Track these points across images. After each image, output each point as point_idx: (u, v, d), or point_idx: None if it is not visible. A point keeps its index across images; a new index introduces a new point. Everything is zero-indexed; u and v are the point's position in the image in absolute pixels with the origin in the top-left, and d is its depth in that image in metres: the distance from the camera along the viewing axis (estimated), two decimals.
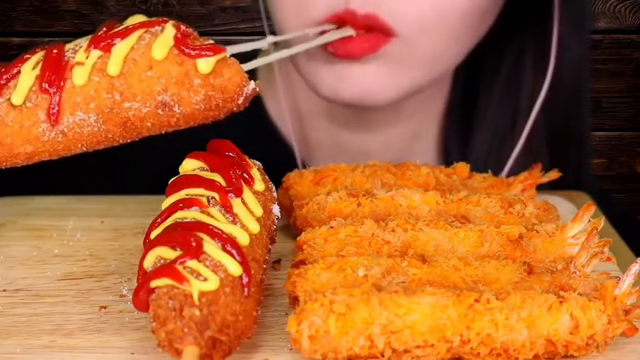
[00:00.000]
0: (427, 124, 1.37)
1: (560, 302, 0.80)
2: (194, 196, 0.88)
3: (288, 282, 0.85)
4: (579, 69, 1.37)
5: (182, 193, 0.89)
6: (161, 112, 0.90)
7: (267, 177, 0.96)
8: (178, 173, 0.94)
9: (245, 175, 0.93)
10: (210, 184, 0.89)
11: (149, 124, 0.91)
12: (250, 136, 1.08)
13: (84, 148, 0.93)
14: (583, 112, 1.43)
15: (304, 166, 1.33)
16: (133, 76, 0.89)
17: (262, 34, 1.28)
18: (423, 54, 1.15)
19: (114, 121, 0.90)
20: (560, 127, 1.38)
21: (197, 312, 0.77)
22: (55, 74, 0.90)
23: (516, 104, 1.34)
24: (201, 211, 0.86)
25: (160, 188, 0.94)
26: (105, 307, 0.91)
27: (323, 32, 1.11)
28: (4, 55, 2.15)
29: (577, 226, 0.93)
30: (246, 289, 0.81)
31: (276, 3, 1.19)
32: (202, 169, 0.93)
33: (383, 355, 0.79)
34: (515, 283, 0.85)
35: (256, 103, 1.36)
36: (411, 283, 0.84)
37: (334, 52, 1.12)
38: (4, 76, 0.91)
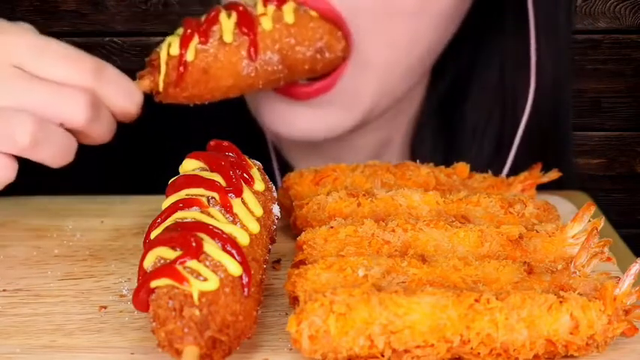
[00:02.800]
0: (398, 134, 1.37)
1: (560, 302, 0.80)
2: (194, 196, 0.88)
3: (288, 282, 0.85)
4: (557, 83, 1.37)
5: (182, 193, 0.89)
6: (319, 57, 1.11)
7: (267, 177, 0.96)
8: (178, 173, 0.94)
9: (245, 175, 0.93)
10: (210, 184, 0.89)
11: (306, 67, 1.11)
12: (237, 135, 1.09)
13: (261, 87, 1.11)
14: (563, 129, 1.43)
15: (280, 165, 1.34)
16: (302, 25, 1.10)
17: None
18: (375, 60, 1.15)
19: (286, 62, 1.10)
20: (539, 131, 1.38)
21: (197, 312, 0.77)
22: (249, 20, 1.09)
23: (502, 120, 1.34)
24: (201, 211, 0.86)
25: (160, 188, 0.94)
26: (105, 307, 0.91)
27: None
28: None
29: (577, 226, 0.93)
30: (246, 289, 0.81)
31: None
32: (202, 169, 0.93)
33: (383, 355, 0.79)
34: (515, 283, 0.85)
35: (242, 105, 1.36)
36: (411, 283, 0.84)
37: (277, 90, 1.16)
38: (205, 24, 1.08)
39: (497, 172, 1.28)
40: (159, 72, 1.08)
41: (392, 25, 1.14)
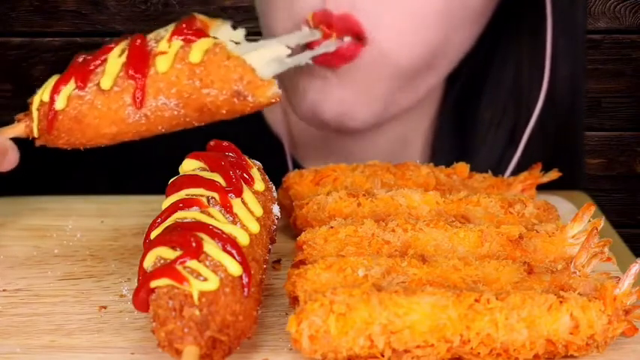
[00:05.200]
0: (416, 132, 1.37)
1: (560, 302, 0.80)
2: (194, 196, 0.88)
3: (288, 282, 0.85)
4: (573, 84, 1.38)
5: (182, 193, 0.89)
6: (236, 101, 0.97)
7: (267, 177, 0.96)
8: (178, 173, 0.94)
9: (245, 175, 0.93)
10: (210, 184, 0.89)
11: (224, 111, 0.98)
12: (245, 133, 1.08)
13: (163, 130, 0.99)
14: (578, 125, 1.43)
15: (295, 165, 1.34)
16: (213, 64, 0.96)
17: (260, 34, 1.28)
18: (396, 63, 1.15)
19: (192, 106, 0.97)
20: (554, 134, 1.38)
21: (197, 312, 0.77)
22: (140, 61, 0.97)
23: (516, 117, 1.34)
24: (201, 211, 0.86)
25: (159, 188, 0.94)
26: (105, 307, 0.91)
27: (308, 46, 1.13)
28: (3, 56, 2.15)
29: (577, 226, 0.93)
30: (246, 289, 0.81)
31: (266, 3, 1.20)
32: (202, 169, 0.93)
33: (383, 355, 0.79)
34: (515, 283, 0.85)
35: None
36: (411, 283, 0.84)
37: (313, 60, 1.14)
38: (92, 64, 0.98)
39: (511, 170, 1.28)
40: (32, 118, 1.00)
41: (417, 37, 1.15)
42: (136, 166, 1.38)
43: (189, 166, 0.94)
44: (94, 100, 0.97)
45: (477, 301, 0.79)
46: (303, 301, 0.81)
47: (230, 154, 0.95)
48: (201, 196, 0.88)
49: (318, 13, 1.12)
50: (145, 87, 0.96)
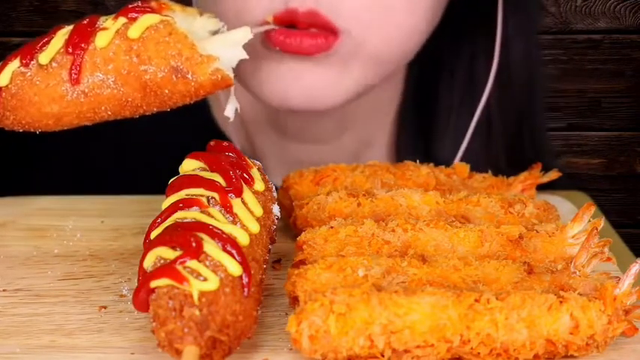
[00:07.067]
0: (377, 132, 1.36)
1: (560, 302, 0.80)
2: (194, 196, 0.88)
3: (288, 282, 0.85)
4: (528, 68, 1.37)
5: (182, 193, 0.89)
6: (174, 79, 0.93)
7: (267, 177, 0.96)
8: (178, 173, 0.94)
9: (245, 175, 0.93)
10: (210, 184, 0.89)
11: (167, 91, 0.94)
12: (199, 142, 1.07)
13: (109, 113, 0.95)
14: (537, 109, 1.43)
15: None
16: (151, 40, 0.93)
17: None
18: (371, 50, 1.14)
19: (132, 85, 0.93)
20: (514, 126, 1.38)
21: (197, 312, 0.77)
22: (80, 38, 0.94)
23: (474, 107, 1.34)
24: (201, 211, 0.86)
25: (159, 188, 0.94)
26: (105, 307, 0.91)
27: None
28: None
29: (577, 226, 0.93)
30: (246, 289, 0.81)
31: (216, 8, 1.14)
32: (202, 169, 0.93)
33: (383, 355, 0.79)
34: (515, 283, 0.85)
35: (204, 109, 1.35)
36: (411, 283, 0.84)
37: (283, 48, 1.11)
38: (41, 43, 0.97)
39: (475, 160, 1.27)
40: None
41: (385, 19, 1.14)
42: (136, 166, 1.38)
43: (189, 166, 0.94)
44: (34, 77, 0.95)
45: (477, 301, 0.79)
46: (303, 301, 0.81)
47: (230, 154, 0.95)
48: (201, 196, 0.88)
49: (282, 14, 1.09)
50: (82, 63, 0.93)
